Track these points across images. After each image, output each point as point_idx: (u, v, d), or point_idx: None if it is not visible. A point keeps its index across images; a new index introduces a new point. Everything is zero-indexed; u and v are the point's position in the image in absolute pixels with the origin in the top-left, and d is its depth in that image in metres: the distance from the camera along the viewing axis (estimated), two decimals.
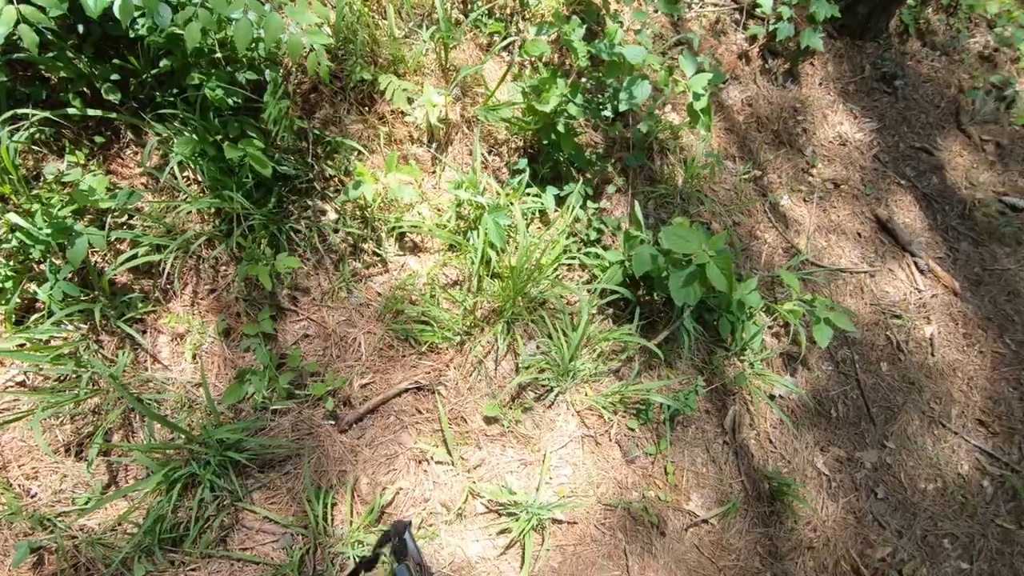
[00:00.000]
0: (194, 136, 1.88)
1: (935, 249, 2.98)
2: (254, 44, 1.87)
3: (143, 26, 1.78)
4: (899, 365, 2.62)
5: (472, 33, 2.61)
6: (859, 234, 2.93)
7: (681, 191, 2.67)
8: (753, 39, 3.22)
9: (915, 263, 2.89)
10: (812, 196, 2.96)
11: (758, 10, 3.18)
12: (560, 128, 2.21)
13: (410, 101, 2.27)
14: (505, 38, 2.54)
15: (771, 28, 3.13)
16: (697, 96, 1.98)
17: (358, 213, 2.22)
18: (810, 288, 2.65)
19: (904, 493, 2.36)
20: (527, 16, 2.71)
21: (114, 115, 1.93)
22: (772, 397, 2.38)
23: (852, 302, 2.72)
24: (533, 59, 2.55)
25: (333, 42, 2.17)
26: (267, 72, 1.94)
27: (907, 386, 2.58)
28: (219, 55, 1.90)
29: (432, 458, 1.98)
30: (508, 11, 2.70)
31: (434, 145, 2.40)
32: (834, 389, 2.50)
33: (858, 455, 2.39)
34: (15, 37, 1.50)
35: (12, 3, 1.47)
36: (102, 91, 1.87)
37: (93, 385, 1.81)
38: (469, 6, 2.68)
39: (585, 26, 2.27)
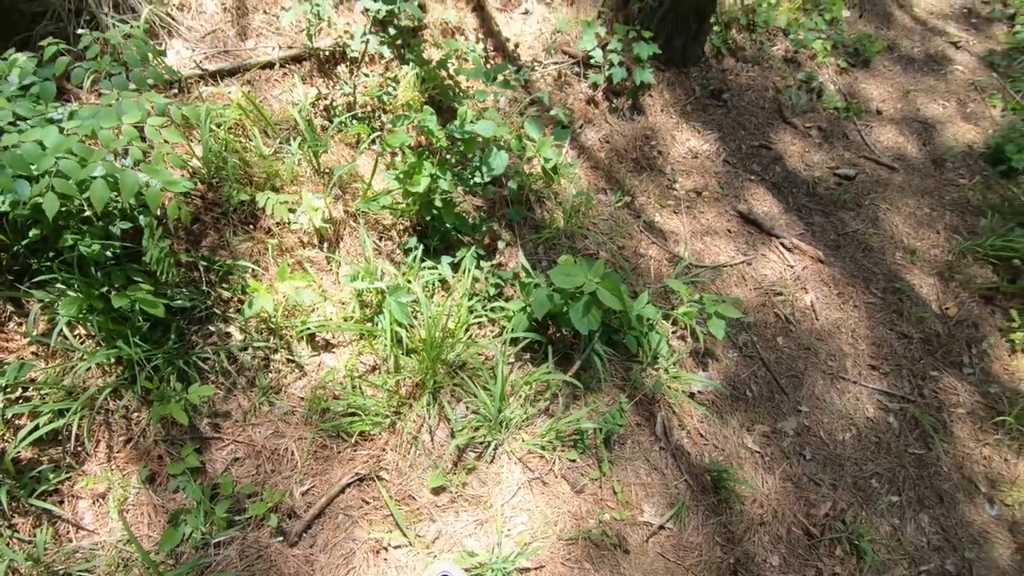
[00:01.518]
0: (79, 294, 1.89)
1: (794, 228, 3.37)
2: (114, 199, 1.93)
3: (5, 202, 1.81)
4: (792, 336, 2.91)
5: (339, 136, 2.79)
6: (729, 230, 3.27)
7: (564, 231, 2.91)
8: (595, 85, 3.61)
9: (781, 244, 3.25)
10: (680, 207, 3.29)
11: (592, 60, 3.59)
12: (438, 203, 2.39)
13: (292, 211, 2.38)
14: (371, 133, 2.74)
15: (607, 73, 3.54)
16: (547, 160, 2.23)
17: (263, 327, 2.26)
18: (699, 288, 2.92)
19: (828, 449, 2.58)
20: (388, 109, 2.94)
21: None
22: (692, 395, 2.56)
23: (738, 291, 3.01)
24: (399, 148, 2.75)
25: (193, 186, 2.27)
26: (141, 218, 2.00)
27: (804, 352, 2.86)
28: (88, 212, 1.95)
29: (389, 544, 1.98)
30: (369, 108, 2.91)
31: (325, 244, 2.51)
32: (744, 372, 2.73)
33: (780, 426, 2.60)
34: None
35: None
36: None
37: (14, 574, 1.71)
38: (331, 112, 2.87)
39: (436, 113, 2.50)
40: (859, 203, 3.55)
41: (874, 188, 3.65)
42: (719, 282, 3.02)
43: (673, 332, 2.73)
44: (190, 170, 2.31)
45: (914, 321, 3.07)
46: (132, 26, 2.45)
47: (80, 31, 2.20)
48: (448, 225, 2.52)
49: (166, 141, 1.85)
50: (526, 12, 3.94)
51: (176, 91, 2.67)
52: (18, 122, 1.83)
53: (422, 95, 3.00)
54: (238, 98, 2.59)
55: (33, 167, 1.55)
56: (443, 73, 2.96)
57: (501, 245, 2.74)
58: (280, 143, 2.62)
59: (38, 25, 2.56)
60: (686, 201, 3.33)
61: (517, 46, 3.70)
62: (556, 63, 3.66)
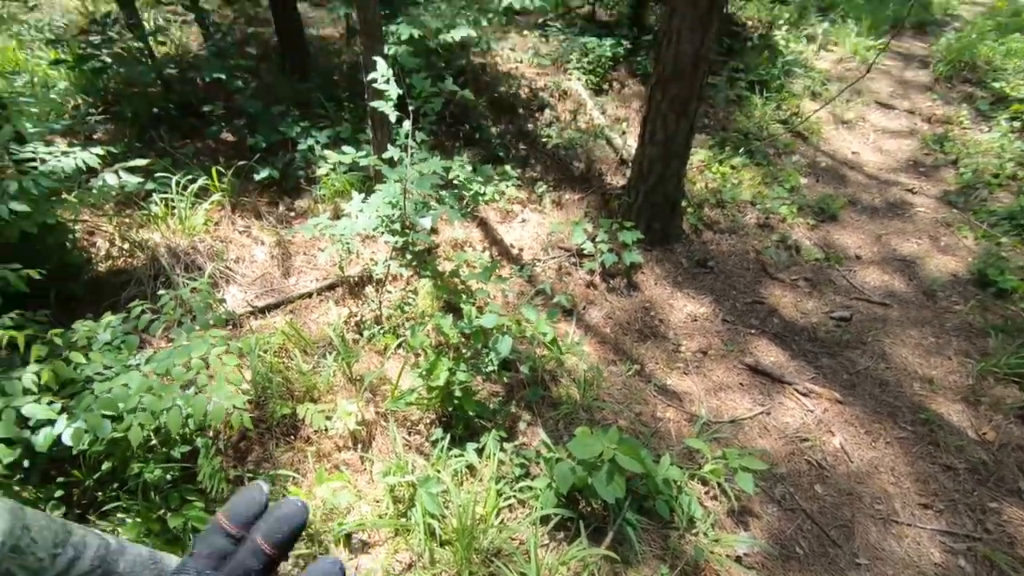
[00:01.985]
0: (138, 519, 2.06)
1: (805, 373, 3.47)
2: (186, 422, 2.22)
3: (86, 441, 2.09)
4: (830, 482, 2.84)
5: (368, 345, 3.15)
6: (741, 384, 3.39)
7: (581, 405, 3.07)
8: (591, 271, 4.06)
9: (795, 390, 3.33)
10: (689, 368, 3.46)
11: (585, 251, 4.10)
12: (458, 393, 2.62)
13: (328, 418, 2.63)
14: (396, 340, 3.10)
15: (600, 260, 4.01)
16: (544, 333, 2.52)
17: (304, 535, 2.35)
18: (721, 444, 2.95)
19: None
20: (409, 317, 3.34)
21: None
22: (739, 559, 2.46)
23: (763, 442, 3.03)
24: (421, 349, 3.08)
25: (252, 394, 2.58)
26: (199, 440, 2.26)
27: (847, 498, 2.77)
28: (154, 441, 2.22)
29: None
30: (393, 319, 3.32)
31: (359, 446, 2.70)
32: (788, 527, 2.63)
33: None
34: None
35: None
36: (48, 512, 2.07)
37: None
38: (361, 327, 3.28)
39: (451, 315, 2.87)
40: (862, 341, 3.69)
41: (873, 325, 3.81)
42: (741, 436, 3.05)
43: (705, 492, 2.71)
44: (242, 391, 2.62)
45: (953, 451, 2.99)
46: (199, 281, 2.99)
47: (160, 292, 2.71)
48: (470, 413, 2.71)
49: (225, 364, 2.18)
50: (523, 221, 4.61)
51: (232, 326, 3.13)
52: (104, 371, 2.21)
53: (438, 301, 3.43)
54: (282, 326, 3.02)
55: (120, 406, 1.86)
56: (455, 280, 3.42)
57: (522, 426, 2.90)
58: (318, 359, 2.98)
59: (124, 290, 3.14)
60: (694, 362, 3.51)
61: (520, 249, 4.27)
62: (554, 258, 4.17)
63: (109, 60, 4.28)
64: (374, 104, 3.11)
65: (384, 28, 4.18)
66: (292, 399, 2.74)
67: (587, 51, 6.35)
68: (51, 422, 1.92)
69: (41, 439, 1.83)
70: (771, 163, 5.46)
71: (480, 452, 2.67)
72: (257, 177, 4.07)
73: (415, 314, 3.33)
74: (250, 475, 2.43)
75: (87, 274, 3.12)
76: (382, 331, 3.18)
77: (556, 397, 3.11)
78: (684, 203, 4.56)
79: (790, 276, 4.25)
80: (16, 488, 2.06)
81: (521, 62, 6.66)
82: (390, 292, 3.52)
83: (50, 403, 1.96)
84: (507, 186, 4.51)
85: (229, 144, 4.59)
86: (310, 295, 3.43)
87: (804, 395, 3.30)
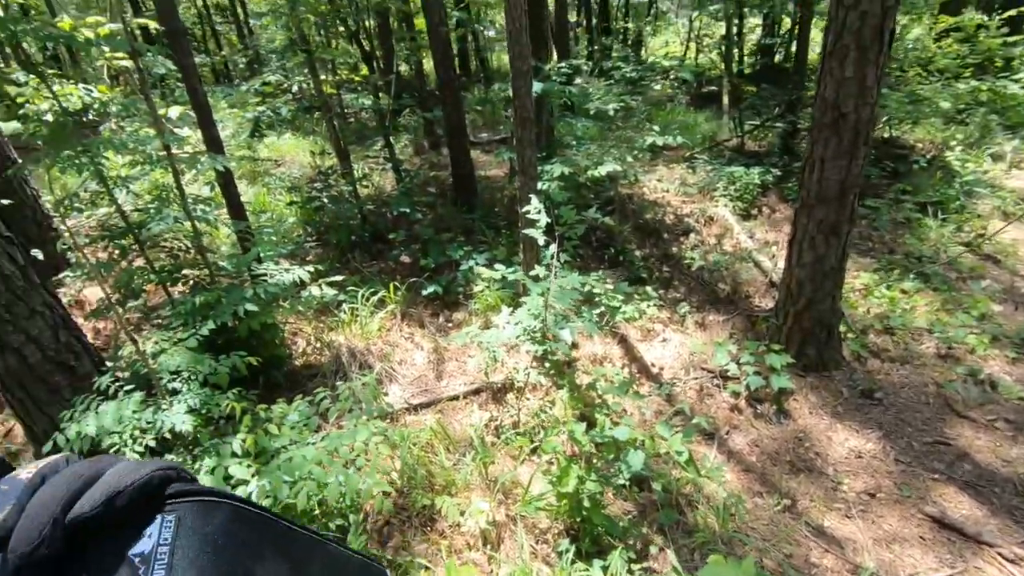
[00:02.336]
0: None
1: (1012, 534, 2.86)
2: (342, 496, 2.53)
3: (267, 501, 2.48)
4: None
5: (505, 449, 3.32)
6: (921, 537, 2.89)
7: (720, 536, 2.84)
8: (736, 394, 3.89)
9: (999, 554, 2.75)
10: (852, 511, 3.05)
11: (729, 373, 3.97)
12: (586, 503, 2.63)
13: (462, 513, 2.78)
14: (531, 445, 3.23)
15: (745, 382, 3.84)
16: (679, 452, 2.48)
17: None
18: None
19: None
20: (544, 425, 3.48)
21: None
22: None
23: None
24: (554, 455, 3.17)
25: (399, 483, 2.84)
26: (351, 517, 2.54)
27: None
28: (317, 511, 2.54)
29: None
30: (530, 425, 3.48)
31: (488, 547, 2.78)
32: None
33: None
34: None
35: None
36: None
37: None
38: (500, 430, 3.48)
39: (585, 427, 2.96)
40: None
41: None
42: None
43: None
44: (390, 478, 2.91)
45: None
46: (368, 377, 3.48)
47: (338, 384, 3.21)
48: (598, 526, 2.68)
49: (380, 453, 2.49)
50: (664, 340, 4.63)
51: (390, 419, 3.52)
52: (289, 445, 2.64)
53: (574, 411, 3.53)
54: (431, 424, 3.34)
55: (296, 474, 2.22)
56: (592, 393, 3.52)
57: (653, 550, 2.76)
58: (458, 457, 3.20)
59: (311, 381, 3.74)
60: (858, 504, 3.10)
61: (660, 368, 4.27)
62: (695, 378, 4.09)
63: (326, 200, 5.43)
64: (526, 231, 3.55)
65: (540, 168, 4.81)
66: (432, 491, 2.95)
67: (734, 179, 6.51)
68: (245, 482, 2.34)
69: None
70: (952, 288, 4.91)
71: (606, 571, 2.59)
72: (424, 292, 4.70)
73: (551, 422, 3.45)
74: (388, 559, 2.62)
75: (287, 366, 3.79)
76: (518, 435, 3.34)
77: (691, 524, 2.93)
78: (843, 328, 4.25)
79: (984, 416, 3.64)
80: None
81: (667, 191, 7.01)
82: (529, 399, 3.71)
83: (248, 466, 2.40)
84: (648, 305, 4.64)
85: (406, 265, 5.40)
86: (457, 397, 3.75)
87: (1012, 562, 2.70)
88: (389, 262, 5.48)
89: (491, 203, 6.48)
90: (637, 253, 5.70)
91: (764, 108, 8.14)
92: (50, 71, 5.46)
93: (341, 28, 7.14)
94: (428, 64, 10.37)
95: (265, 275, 3.66)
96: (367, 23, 7.11)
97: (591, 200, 6.21)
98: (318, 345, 4.04)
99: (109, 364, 2.98)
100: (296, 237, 5.88)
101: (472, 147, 9.43)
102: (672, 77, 10.11)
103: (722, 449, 3.50)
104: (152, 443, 2.33)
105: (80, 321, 4.17)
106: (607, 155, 5.31)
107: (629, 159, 5.03)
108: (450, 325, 4.65)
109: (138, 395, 2.43)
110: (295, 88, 6.93)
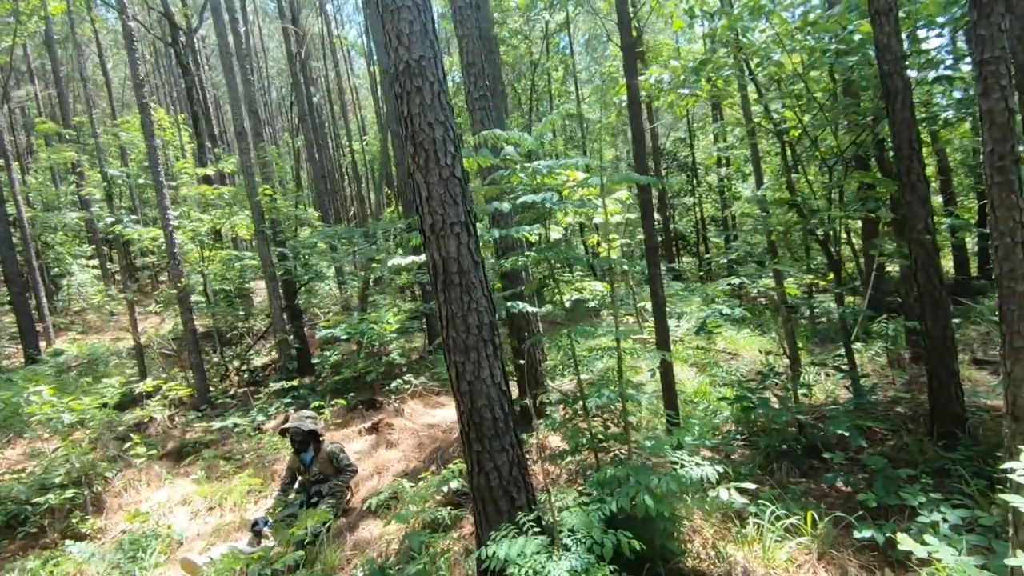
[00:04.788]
0: None
1: None
2: None
3: None
4: None
5: None
6: None
7: None
8: None
9: None
10: None
11: None
12: None
13: None
14: None
15: None
16: None
17: None
18: None
19: None
20: None
21: None
22: None
23: None
24: None
25: None
26: None
27: None
28: None
29: None
30: None
31: None
32: None
33: None
34: None
35: None
36: None
37: None
38: None
39: None
40: None
41: None
42: None
43: None
44: None
45: None
46: None
47: None
48: None
49: None
50: None
51: None
52: None
53: None
54: None
55: None
56: None
57: None
58: None
59: None
60: None
61: None
62: None
63: (756, 402, 5.31)
64: (1012, 499, 2.62)
65: None
66: None
67: None
68: None
69: None
70: None
71: None
72: (856, 535, 3.86)
73: None
74: None
75: (674, 563, 3.72)
76: None
77: None
78: None
79: None
80: None
81: None
82: None
83: None
84: None
85: (841, 493, 4.59)
86: None
87: None
88: (823, 484, 4.78)
89: (988, 443, 4.89)
90: None
91: None
92: None
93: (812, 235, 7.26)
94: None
95: (678, 463, 3.83)
96: (838, 232, 7.02)
97: None
98: (713, 552, 3.82)
99: (534, 506, 3.67)
100: (727, 433, 5.87)
101: (979, 366, 7.51)
102: None
103: None
104: None
105: (534, 466, 5.29)
106: None
107: None
108: None
109: (542, 539, 2.91)
110: (755, 292, 7.30)
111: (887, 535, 3.85)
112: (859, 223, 9.34)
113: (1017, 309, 2.76)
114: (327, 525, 4.90)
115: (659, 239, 18.66)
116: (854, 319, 6.44)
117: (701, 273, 17.37)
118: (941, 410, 5.15)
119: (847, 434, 4.54)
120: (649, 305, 5.87)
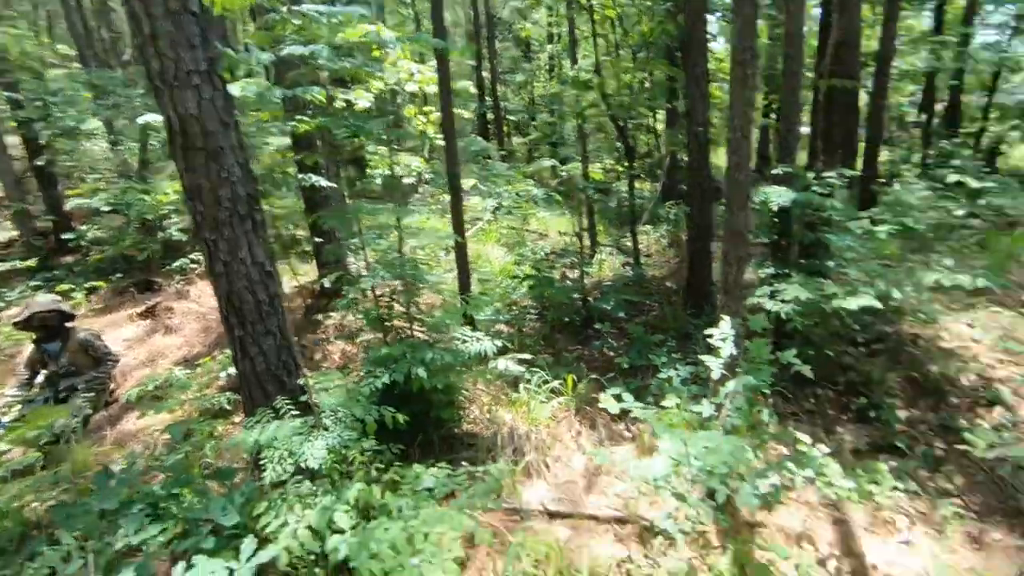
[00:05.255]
0: None
1: None
2: None
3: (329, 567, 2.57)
4: None
5: None
6: None
7: None
8: None
9: None
10: None
11: None
12: None
13: None
14: None
15: None
16: None
17: None
18: None
19: None
20: None
21: None
22: None
23: None
24: None
25: None
26: None
27: None
28: None
29: None
30: None
31: None
32: None
33: None
34: None
35: None
36: None
37: None
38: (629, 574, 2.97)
39: None
40: None
41: None
42: None
43: None
44: None
45: None
46: (509, 461, 3.39)
47: (488, 463, 3.21)
48: None
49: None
50: (906, 542, 3.40)
51: (519, 518, 3.36)
52: (403, 509, 2.71)
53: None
54: (551, 542, 3.05)
55: (372, 547, 2.26)
56: None
57: None
58: None
59: (466, 450, 3.82)
60: None
61: None
62: None
63: (543, 280, 5.67)
64: (706, 358, 3.09)
65: (772, 287, 4.16)
66: None
67: None
68: (342, 531, 2.46)
69: (328, 546, 2.36)
70: None
71: None
72: (605, 393, 4.44)
73: None
74: None
75: (446, 430, 3.97)
76: None
77: None
78: None
79: None
80: None
81: (978, 342, 5.29)
82: (675, 555, 3.10)
83: (351, 518, 2.53)
84: (886, 491, 3.47)
85: (606, 357, 5.21)
86: (597, 519, 3.37)
87: None
88: (593, 351, 5.37)
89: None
90: (901, 414, 4.39)
91: None
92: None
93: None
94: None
95: (459, 339, 3.95)
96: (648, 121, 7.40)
97: (853, 331, 5.08)
98: (487, 417, 4.14)
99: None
100: (523, 308, 6.25)
101: None
102: None
103: None
104: (291, 468, 2.67)
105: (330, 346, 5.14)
106: (884, 281, 4.27)
107: (896, 294, 3.95)
108: (628, 435, 4.27)
109: (297, 422, 2.83)
110: (564, 174, 7.55)
111: (632, 390, 4.50)
112: (664, 113, 9.95)
113: (736, 197, 3.13)
114: (82, 419, 4.35)
115: (489, 117, 18.13)
116: (644, 204, 7.00)
117: (529, 155, 17.62)
118: (696, 286, 5.98)
119: (608, 308, 5.07)
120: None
